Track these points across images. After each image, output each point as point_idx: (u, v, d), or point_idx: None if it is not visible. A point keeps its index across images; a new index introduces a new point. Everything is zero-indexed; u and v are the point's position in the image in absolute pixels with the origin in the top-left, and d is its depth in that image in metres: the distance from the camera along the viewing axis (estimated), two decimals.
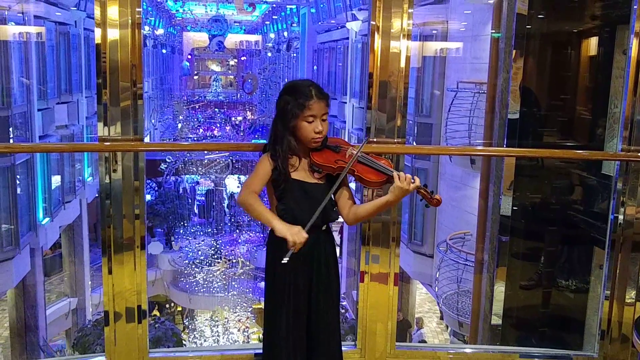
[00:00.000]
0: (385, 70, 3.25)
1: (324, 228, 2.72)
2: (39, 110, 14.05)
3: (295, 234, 2.50)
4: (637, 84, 3.41)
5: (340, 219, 2.79)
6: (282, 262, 2.47)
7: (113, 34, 3.02)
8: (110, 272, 3.24)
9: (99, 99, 3.07)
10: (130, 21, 3.03)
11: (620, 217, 3.55)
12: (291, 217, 2.62)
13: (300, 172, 2.65)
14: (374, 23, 3.21)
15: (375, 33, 3.21)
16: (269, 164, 2.61)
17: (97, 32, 3.01)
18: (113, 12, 3.01)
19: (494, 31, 6.49)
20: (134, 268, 3.26)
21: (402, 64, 3.26)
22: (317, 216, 2.55)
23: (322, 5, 21.58)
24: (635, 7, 3.40)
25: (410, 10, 3.21)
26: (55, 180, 15.39)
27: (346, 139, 10.30)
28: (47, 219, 14.51)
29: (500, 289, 6.09)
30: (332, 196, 2.66)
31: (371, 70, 3.25)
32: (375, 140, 3.32)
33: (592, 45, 5.92)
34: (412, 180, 2.52)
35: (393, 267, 3.45)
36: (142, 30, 3.08)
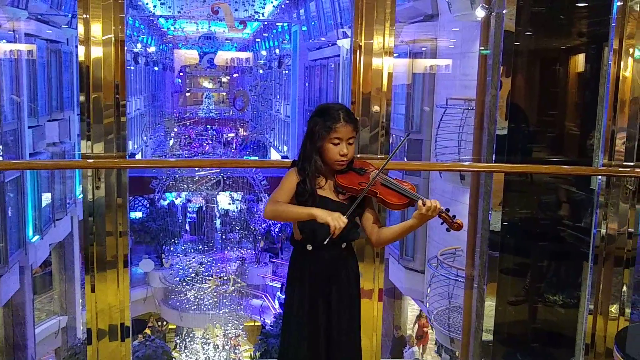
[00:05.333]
0: (367, 87, 3.28)
1: (343, 246, 2.75)
2: (29, 127, 14.03)
3: (336, 219, 2.48)
4: (616, 99, 3.46)
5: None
6: (324, 242, 2.52)
7: (96, 51, 3.04)
8: (93, 290, 3.22)
9: (82, 116, 3.08)
10: (113, 39, 3.05)
11: (603, 231, 3.58)
12: (311, 231, 2.67)
13: (326, 191, 2.71)
14: (356, 40, 3.24)
15: (358, 50, 3.24)
16: (295, 178, 2.68)
17: (81, 50, 3.03)
18: (96, 29, 3.03)
19: (482, 48, 6.56)
20: (117, 285, 3.24)
21: (385, 81, 3.29)
22: (354, 207, 2.58)
23: (313, 23, 21.73)
24: (613, 24, 3.45)
25: (392, 28, 3.25)
26: (46, 197, 15.32)
27: None
28: (37, 237, 14.42)
29: (490, 305, 6.08)
30: (359, 218, 2.73)
31: (354, 87, 3.28)
32: (358, 156, 3.33)
33: (579, 61, 5.99)
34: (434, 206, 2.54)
35: (377, 283, 3.45)
36: (125, 48, 3.10)
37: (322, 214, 2.51)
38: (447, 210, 2.57)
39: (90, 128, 3.08)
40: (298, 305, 2.76)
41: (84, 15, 3.00)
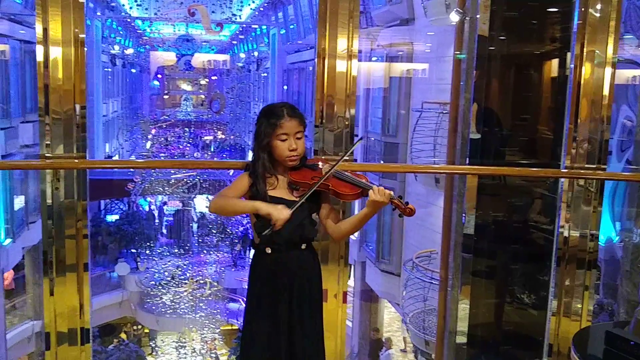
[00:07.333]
0: (332, 91, 3.28)
1: (303, 247, 2.74)
2: (1, 129, 13.83)
3: (279, 210, 2.52)
4: (578, 104, 3.50)
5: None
6: (263, 234, 2.54)
7: (55, 52, 2.99)
8: (52, 293, 3.17)
9: (40, 117, 3.03)
10: (73, 39, 3.01)
11: (566, 233, 3.62)
12: (269, 235, 2.62)
13: (279, 190, 2.70)
14: (320, 44, 3.24)
15: (322, 54, 3.24)
16: (247, 181, 2.69)
17: (39, 50, 2.98)
18: (55, 29, 2.98)
19: (457, 52, 6.59)
20: (77, 289, 3.20)
21: (349, 84, 3.30)
22: (303, 200, 2.59)
23: (292, 26, 21.74)
24: (574, 30, 3.50)
25: (355, 31, 3.26)
26: (19, 200, 15.09)
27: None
28: (9, 240, 14.20)
29: (464, 307, 6.12)
30: (317, 215, 2.73)
31: (318, 91, 3.29)
32: (323, 158, 3.33)
33: (552, 66, 6.06)
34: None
35: (342, 285, 3.45)
36: (86, 48, 3.06)
37: (264, 207, 2.54)
38: (400, 197, 2.59)
39: (49, 128, 3.03)
40: (259, 308, 2.75)
41: (42, 15, 2.95)
